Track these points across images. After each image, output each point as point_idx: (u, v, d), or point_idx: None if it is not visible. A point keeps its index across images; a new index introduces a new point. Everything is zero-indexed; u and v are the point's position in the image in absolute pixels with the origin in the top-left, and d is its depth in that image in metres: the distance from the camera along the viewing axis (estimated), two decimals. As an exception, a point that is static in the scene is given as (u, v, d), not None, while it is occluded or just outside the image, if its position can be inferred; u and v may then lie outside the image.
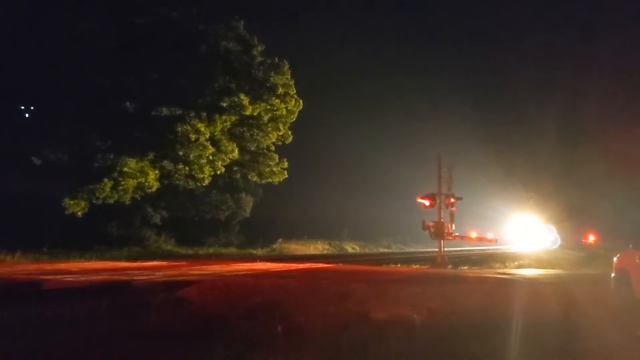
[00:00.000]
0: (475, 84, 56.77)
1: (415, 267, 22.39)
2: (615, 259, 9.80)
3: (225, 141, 29.25)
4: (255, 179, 33.15)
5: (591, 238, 30.10)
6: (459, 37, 67.77)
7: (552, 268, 21.62)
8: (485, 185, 39.70)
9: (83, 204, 25.36)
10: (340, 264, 22.74)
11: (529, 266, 22.27)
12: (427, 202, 23.73)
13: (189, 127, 26.66)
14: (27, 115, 27.70)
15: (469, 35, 66.71)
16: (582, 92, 41.70)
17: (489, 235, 47.06)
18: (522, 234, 36.73)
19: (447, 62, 65.93)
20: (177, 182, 29.41)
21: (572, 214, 34.92)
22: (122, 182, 26.02)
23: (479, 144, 41.94)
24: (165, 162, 27.66)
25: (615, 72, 41.94)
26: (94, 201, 25.69)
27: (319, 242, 38.41)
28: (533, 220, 35.98)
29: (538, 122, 42.37)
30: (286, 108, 31.01)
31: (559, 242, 42.01)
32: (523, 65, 58.85)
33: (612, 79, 40.66)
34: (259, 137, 31.83)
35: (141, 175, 26.46)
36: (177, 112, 27.01)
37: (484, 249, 39.31)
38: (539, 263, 23.67)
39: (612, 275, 9.71)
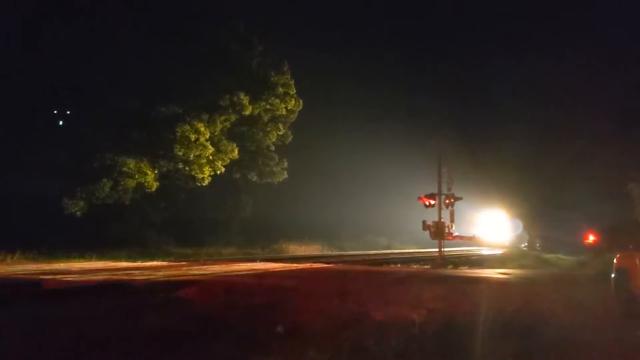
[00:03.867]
0: (457, 85, 58.36)
1: (415, 267, 22.41)
2: (615, 259, 9.79)
3: (225, 141, 29.26)
4: (255, 179, 33.15)
5: (591, 238, 30.09)
6: (444, 41, 69.09)
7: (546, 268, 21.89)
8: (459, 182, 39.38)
9: (82, 204, 25.36)
10: (340, 264, 22.75)
11: (524, 266, 22.36)
12: (427, 202, 23.78)
13: (188, 127, 26.67)
14: (26, 115, 27.68)
15: (451, 38, 67.79)
16: (551, 91, 42.59)
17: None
18: (493, 231, 34.95)
19: (438, 63, 66.94)
20: (177, 182, 29.42)
21: (541, 209, 34.77)
22: (122, 182, 26.01)
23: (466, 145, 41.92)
24: (165, 162, 27.66)
25: (581, 72, 42.86)
26: (94, 201, 25.69)
27: (318, 242, 38.38)
28: (501, 216, 34.66)
29: (508, 120, 43.27)
30: (286, 108, 31.03)
31: (526, 238, 41.56)
32: (496, 64, 60.71)
33: (579, 79, 41.47)
34: (259, 137, 31.84)
35: (141, 175, 26.46)
36: (177, 112, 27.02)
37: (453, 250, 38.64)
38: (532, 263, 23.90)
39: (612, 275, 9.70)
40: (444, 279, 15.24)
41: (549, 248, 33.80)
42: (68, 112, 27.78)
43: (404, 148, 44.10)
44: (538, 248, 40.18)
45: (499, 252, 38.45)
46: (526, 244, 48.72)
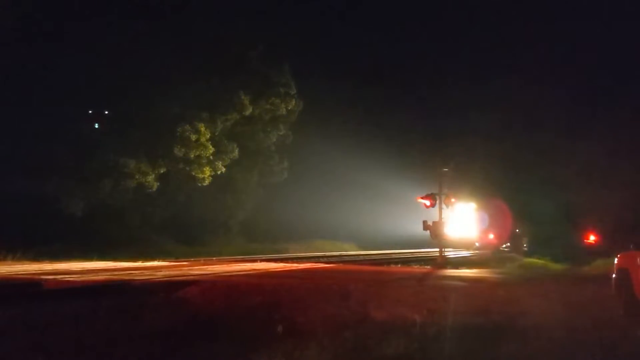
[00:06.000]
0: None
1: (415, 267, 22.43)
2: (616, 259, 9.77)
3: (225, 141, 29.26)
4: (255, 178, 33.13)
5: (592, 238, 29.72)
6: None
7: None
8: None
9: (83, 204, 25.36)
10: (341, 264, 22.75)
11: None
12: (427, 202, 23.75)
13: (189, 127, 26.66)
14: (27, 115, 27.67)
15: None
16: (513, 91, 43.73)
17: (490, 236, 46.49)
18: (459, 228, 30.31)
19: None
20: (178, 182, 29.41)
21: (532, 205, 33.89)
22: (122, 182, 26.01)
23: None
24: (165, 162, 27.65)
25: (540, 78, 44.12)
26: (94, 201, 25.69)
27: (319, 242, 38.37)
28: (468, 210, 31.43)
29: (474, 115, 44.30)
30: (286, 108, 31.05)
31: (491, 234, 39.96)
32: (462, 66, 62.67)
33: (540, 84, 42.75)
34: (259, 137, 31.84)
35: (141, 176, 26.46)
36: (177, 112, 27.01)
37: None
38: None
39: (613, 275, 9.69)
40: (443, 279, 15.24)
41: (539, 250, 32.39)
42: (68, 111, 27.65)
43: (403, 148, 44.24)
44: (525, 249, 39.05)
45: (466, 253, 36.98)
46: (508, 244, 47.34)
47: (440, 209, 23.78)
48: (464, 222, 29.48)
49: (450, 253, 33.71)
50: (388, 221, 46.96)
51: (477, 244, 47.89)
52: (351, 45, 57.33)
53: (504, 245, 47.68)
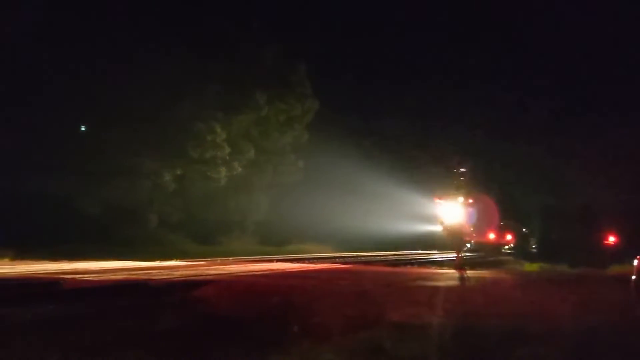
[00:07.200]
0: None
1: (433, 268, 22.31)
2: (635, 261, 9.66)
3: (241, 141, 29.35)
4: (270, 178, 33.15)
5: (611, 239, 29.16)
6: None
7: None
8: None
9: (100, 204, 25.58)
10: (357, 265, 22.69)
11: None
12: (446, 202, 23.46)
13: (204, 127, 26.77)
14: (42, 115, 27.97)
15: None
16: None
17: (508, 237, 45.67)
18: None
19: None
20: (194, 182, 29.54)
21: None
22: (138, 182, 26.19)
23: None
24: (181, 162, 27.79)
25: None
26: (110, 201, 25.89)
27: (333, 242, 38.27)
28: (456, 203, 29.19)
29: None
30: (302, 108, 31.05)
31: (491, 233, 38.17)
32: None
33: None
34: (274, 137, 31.87)
35: (156, 176, 26.61)
36: (193, 113, 27.13)
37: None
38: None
39: (633, 277, 9.58)
40: (459, 280, 15.14)
41: (550, 252, 30.69)
42: (83, 111, 27.87)
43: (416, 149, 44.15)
44: (534, 250, 37.41)
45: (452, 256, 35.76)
46: (512, 245, 45.18)
47: (459, 209, 23.52)
48: (454, 218, 28.44)
49: (438, 256, 32.77)
50: (398, 222, 46.81)
51: (469, 245, 46.37)
52: (367, 46, 57.37)
53: (507, 247, 45.83)
